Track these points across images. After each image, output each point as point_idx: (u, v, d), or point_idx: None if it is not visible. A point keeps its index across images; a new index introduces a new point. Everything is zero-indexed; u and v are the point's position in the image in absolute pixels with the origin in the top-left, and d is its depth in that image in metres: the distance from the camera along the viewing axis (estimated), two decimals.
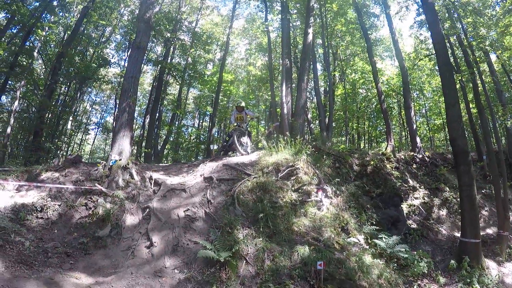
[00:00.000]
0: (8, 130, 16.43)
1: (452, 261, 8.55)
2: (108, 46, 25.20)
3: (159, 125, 24.53)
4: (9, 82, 17.41)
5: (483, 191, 12.93)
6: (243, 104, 13.09)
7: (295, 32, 22.64)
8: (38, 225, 7.00)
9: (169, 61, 23.87)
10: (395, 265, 7.96)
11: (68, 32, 20.25)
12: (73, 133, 24.48)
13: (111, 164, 8.95)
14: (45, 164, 10.39)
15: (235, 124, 12.55)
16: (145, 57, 18.47)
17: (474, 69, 12.86)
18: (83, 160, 10.40)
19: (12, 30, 17.76)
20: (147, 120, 23.79)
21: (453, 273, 8.41)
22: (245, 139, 12.13)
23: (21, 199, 7.52)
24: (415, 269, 7.95)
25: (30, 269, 5.49)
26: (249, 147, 12.07)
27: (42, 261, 5.93)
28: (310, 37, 15.27)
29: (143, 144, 22.75)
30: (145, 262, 6.35)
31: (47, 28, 18.68)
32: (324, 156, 10.97)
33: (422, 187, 12.48)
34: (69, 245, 6.69)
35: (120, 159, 9.08)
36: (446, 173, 13.46)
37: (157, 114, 23.70)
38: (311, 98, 26.76)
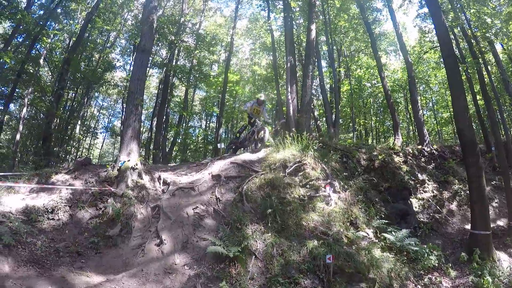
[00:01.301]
0: (18, 137, 16.65)
1: (463, 254, 8.44)
2: (113, 51, 25.37)
3: (167, 127, 24.65)
4: (17, 89, 17.66)
5: (492, 182, 12.76)
6: (263, 98, 13.01)
7: (298, 30, 22.59)
8: (50, 226, 7.12)
9: (174, 63, 23.98)
10: (405, 258, 7.91)
11: (73, 38, 20.44)
12: (82, 138, 24.74)
13: (120, 165, 9.04)
14: (55, 168, 10.52)
15: (246, 110, 12.57)
16: (150, 60, 18.59)
17: (480, 59, 12.76)
18: (92, 162, 10.55)
19: (18, 39, 18.03)
20: (155, 123, 23.95)
21: (464, 266, 8.30)
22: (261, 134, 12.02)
23: (32, 201, 7.64)
24: (425, 262, 7.88)
25: (42, 268, 5.59)
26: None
27: (54, 260, 6.03)
28: (313, 33, 15.24)
29: (151, 146, 22.93)
30: (155, 259, 6.41)
31: (52, 35, 18.87)
32: (331, 152, 10.94)
33: (431, 180, 12.35)
34: (80, 245, 6.80)
35: (129, 160, 9.16)
36: (455, 165, 13.31)
37: (164, 117, 23.79)
38: (317, 95, 26.73)
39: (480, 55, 12.97)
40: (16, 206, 7.33)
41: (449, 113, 24.81)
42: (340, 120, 25.50)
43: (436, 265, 8.00)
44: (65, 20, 20.30)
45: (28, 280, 5.03)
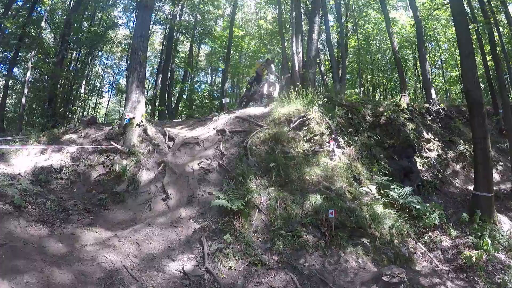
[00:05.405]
0: (23, 100, 16.64)
1: (464, 214, 8.50)
2: (115, 8, 24.74)
3: (172, 83, 24.43)
4: (20, 53, 17.45)
5: (498, 145, 12.64)
6: (271, 58, 13.53)
7: None
8: (58, 186, 7.32)
9: (178, 19, 23.38)
10: (407, 215, 8.01)
11: None
12: (87, 97, 24.66)
13: (125, 122, 9.08)
14: (62, 128, 10.63)
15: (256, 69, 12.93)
16: (153, 16, 18.10)
17: (491, 19, 12.24)
18: (98, 121, 10.64)
19: (18, 2, 17.64)
20: (160, 79, 23.74)
21: (465, 226, 8.41)
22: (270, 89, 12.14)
23: (41, 163, 7.84)
24: (426, 221, 7.97)
25: (52, 227, 5.78)
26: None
27: (64, 218, 6.24)
28: None
29: (157, 102, 22.90)
30: (162, 214, 6.61)
31: None
32: (337, 107, 10.80)
33: (436, 139, 12.23)
34: (88, 202, 7.02)
35: (134, 117, 9.18)
36: (461, 126, 13.10)
37: (169, 73, 23.55)
38: (324, 50, 26.11)
39: (491, 15, 12.38)
40: (25, 167, 7.53)
41: (457, 72, 23.95)
42: (347, 75, 25.00)
43: (438, 223, 8.08)
44: None
45: (39, 239, 5.21)
